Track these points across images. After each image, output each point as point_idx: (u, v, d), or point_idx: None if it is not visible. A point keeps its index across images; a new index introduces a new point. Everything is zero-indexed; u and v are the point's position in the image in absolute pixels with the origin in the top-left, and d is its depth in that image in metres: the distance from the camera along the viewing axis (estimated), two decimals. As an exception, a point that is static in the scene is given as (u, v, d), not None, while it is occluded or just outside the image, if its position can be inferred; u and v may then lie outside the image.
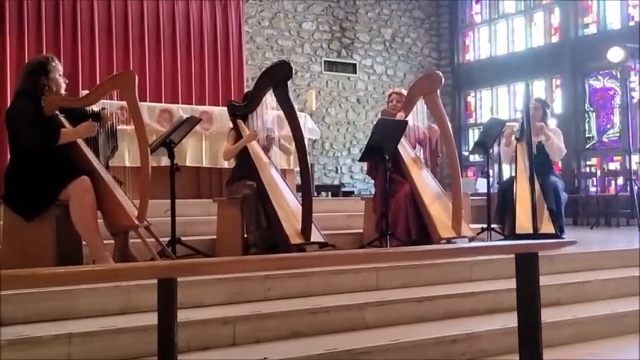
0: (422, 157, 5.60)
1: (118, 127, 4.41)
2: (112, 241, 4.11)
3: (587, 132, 11.09)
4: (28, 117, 3.89)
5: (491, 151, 5.88)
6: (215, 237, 5.02)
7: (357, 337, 3.41)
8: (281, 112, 4.73)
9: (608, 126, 10.88)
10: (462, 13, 13.13)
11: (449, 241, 5.02)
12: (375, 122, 5.40)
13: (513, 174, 5.91)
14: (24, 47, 8.69)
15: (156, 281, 2.23)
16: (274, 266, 3.14)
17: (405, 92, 5.62)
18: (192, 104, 8.86)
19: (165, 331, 2.17)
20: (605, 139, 10.90)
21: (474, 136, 12.51)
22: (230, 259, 3.05)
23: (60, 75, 4.08)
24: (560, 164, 9.82)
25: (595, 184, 10.65)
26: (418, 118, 5.49)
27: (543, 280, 2.96)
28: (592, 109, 11.04)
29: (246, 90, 9.48)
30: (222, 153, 5.44)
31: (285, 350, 3.16)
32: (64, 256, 3.95)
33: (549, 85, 11.63)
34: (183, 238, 4.76)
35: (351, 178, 12.07)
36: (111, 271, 2.27)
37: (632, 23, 10.51)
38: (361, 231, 5.60)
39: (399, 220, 5.18)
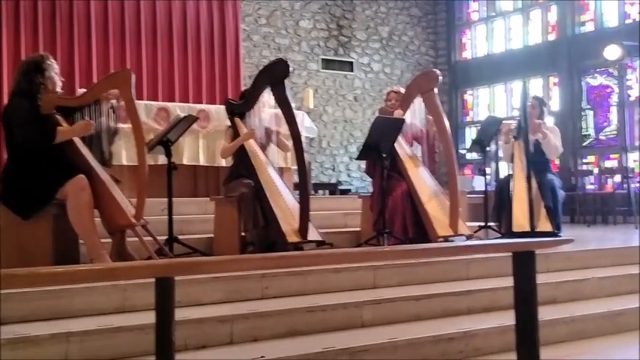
0: (419, 154, 5.60)
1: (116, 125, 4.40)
2: (110, 240, 4.11)
3: (584, 130, 11.10)
4: (24, 116, 3.89)
5: (488, 148, 5.89)
6: (212, 235, 5.02)
7: (355, 335, 3.41)
8: (278, 111, 4.73)
9: (605, 124, 10.89)
10: (459, 11, 13.14)
11: (446, 239, 5.02)
12: (372, 120, 5.40)
13: (510, 172, 5.91)
14: (20, 46, 8.67)
15: (153, 280, 2.23)
16: (271, 265, 3.14)
17: (403, 91, 5.62)
18: (189, 102, 8.86)
19: (163, 329, 2.17)
20: (602, 137, 10.91)
21: (471, 134, 12.52)
22: (227, 257, 3.05)
23: (55, 73, 4.07)
24: (557, 162, 9.85)
25: (592, 181, 10.66)
26: (415, 115, 5.49)
27: (540, 278, 2.96)
28: (589, 106, 11.06)
29: (243, 88, 9.48)
30: (219, 151, 5.45)
31: (283, 349, 3.16)
32: (61, 255, 3.95)
33: (546, 83, 11.64)
34: (180, 237, 4.75)
35: (349, 176, 12.07)
36: (108, 270, 2.27)
37: (628, 21, 10.53)
38: (358, 229, 5.60)
39: (396, 218, 5.18)
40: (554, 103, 11.25)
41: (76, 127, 4.07)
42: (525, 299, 2.84)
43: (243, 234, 4.79)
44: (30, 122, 3.88)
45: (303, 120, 7.06)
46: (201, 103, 9.09)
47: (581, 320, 3.94)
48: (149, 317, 2.32)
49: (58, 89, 4.10)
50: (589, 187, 10.59)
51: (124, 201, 4.13)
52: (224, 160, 5.81)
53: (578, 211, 9.70)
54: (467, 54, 13.09)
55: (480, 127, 6.37)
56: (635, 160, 10.17)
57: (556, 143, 5.93)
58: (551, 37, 11.61)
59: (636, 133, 10.33)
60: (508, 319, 3.11)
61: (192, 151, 6.65)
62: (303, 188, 4.64)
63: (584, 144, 11.09)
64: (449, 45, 13.12)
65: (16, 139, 3.91)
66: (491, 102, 12.58)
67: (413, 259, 4.16)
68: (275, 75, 4.57)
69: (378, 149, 5.06)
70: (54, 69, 4.07)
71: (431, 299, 3.87)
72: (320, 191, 10.62)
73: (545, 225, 5.53)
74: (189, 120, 4.97)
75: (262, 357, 3.01)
